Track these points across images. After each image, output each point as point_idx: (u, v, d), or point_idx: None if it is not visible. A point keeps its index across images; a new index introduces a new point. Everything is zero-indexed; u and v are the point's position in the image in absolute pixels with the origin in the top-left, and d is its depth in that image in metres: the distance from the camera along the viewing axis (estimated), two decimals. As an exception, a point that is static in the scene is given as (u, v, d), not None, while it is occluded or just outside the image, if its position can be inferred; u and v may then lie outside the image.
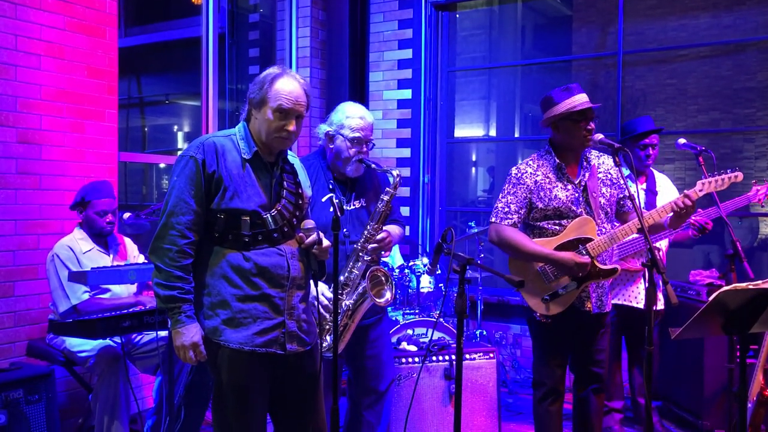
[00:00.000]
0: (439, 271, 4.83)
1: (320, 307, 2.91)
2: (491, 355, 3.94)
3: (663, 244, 4.08)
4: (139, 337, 3.73)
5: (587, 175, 3.18)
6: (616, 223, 3.23)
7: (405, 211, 6.02)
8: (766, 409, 3.35)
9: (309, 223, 2.55)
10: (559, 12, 7.86)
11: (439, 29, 6.15)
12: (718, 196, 3.55)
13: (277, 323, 2.47)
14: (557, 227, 3.13)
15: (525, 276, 3.12)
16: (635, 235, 3.77)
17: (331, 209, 2.54)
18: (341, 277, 3.02)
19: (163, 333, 3.39)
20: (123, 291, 3.81)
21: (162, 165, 7.65)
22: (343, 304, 3.00)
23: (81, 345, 3.55)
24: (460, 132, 7.10)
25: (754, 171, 6.50)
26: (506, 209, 3.16)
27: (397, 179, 3.06)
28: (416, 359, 3.82)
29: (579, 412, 3.29)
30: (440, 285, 4.88)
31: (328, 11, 6.19)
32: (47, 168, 3.99)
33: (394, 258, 5.24)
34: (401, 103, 6.13)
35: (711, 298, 2.40)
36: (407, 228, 5.71)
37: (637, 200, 2.87)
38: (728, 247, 3.39)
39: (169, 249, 2.37)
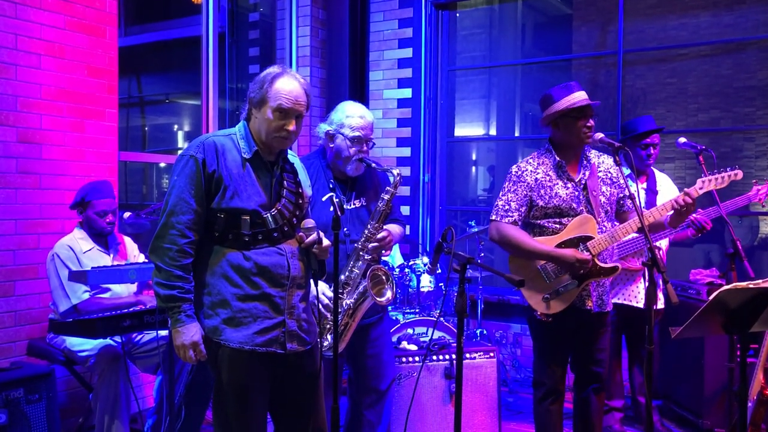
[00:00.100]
0: (439, 271, 4.83)
1: (321, 306, 2.91)
2: (491, 354, 3.94)
3: (663, 244, 4.08)
4: (140, 336, 3.73)
5: (587, 173, 3.18)
6: (616, 222, 3.23)
7: (405, 210, 6.02)
8: (767, 408, 3.35)
9: (309, 222, 2.55)
10: (559, 11, 7.86)
11: (439, 28, 6.15)
12: (718, 196, 3.55)
13: (278, 322, 2.47)
14: (558, 226, 3.12)
15: (525, 275, 3.12)
16: (635, 235, 3.77)
17: (332, 208, 2.54)
18: (342, 276, 3.02)
19: (164, 332, 3.39)
20: (123, 290, 3.81)
21: (162, 164, 7.65)
22: (344, 303, 3.00)
23: (81, 344, 3.55)
24: (460, 131, 7.10)
25: (755, 170, 6.49)
26: (507, 207, 3.16)
27: (398, 178, 3.06)
28: (417, 358, 3.82)
29: (579, 412, 3.29)
30: (440, 284, 4.88)
31: (328, 10, 6.19)
32: (47, 167, 3.99)
33: (395, 257, 5.25)
34: (401, 102, 6.13)
35: (711, 298, 2.40)
36: (407, 227, 5.71)
37: (637, 199, 2.87)
38: (728, 246, 3.39)
39: (170, 248, 2.37)
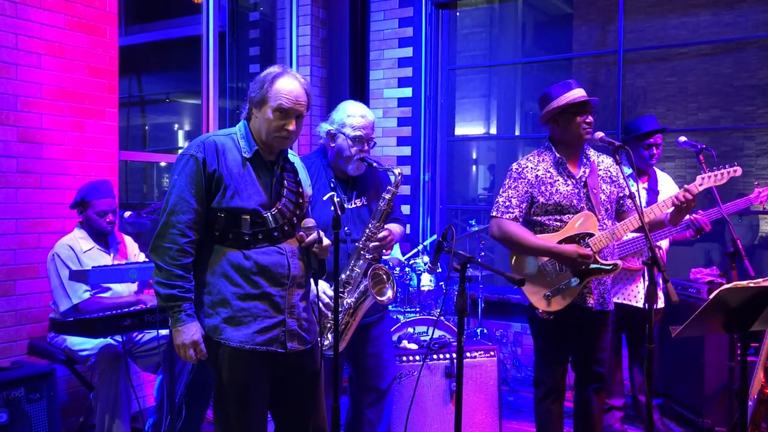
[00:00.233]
0: (439, 270, 4.83)
1: (321, 305, 2.91)
2: (492, 353, 3.94)
3: (664, 243, 4.08)
4: (140, 335, 3.73)
5: (587, 171, 3.18)
6: (616, 221, 3.23)
7: (405, 209, 6.02)
8: (767, 407, 3.35)
9: (309, 221, 2.55)
10: (559, 10, 7.86)
11: (439, 27, 6.15)
12: (720, 196, 3.55)
13: (278, 322, 2.47)
14: (558, 223, 3.12)
15: (527, 272, 3.13)
16: (635, 234, 3.77)
17: (332, 208, 2.54)
18: (343, 275, 3.02)
19: (164, 331, 3.39)
20: (124, 290, 3.81)
21: (163, 163, 7.65)
22: (345, 302, 3.00)
23: (82, 344, 3.55)
24: (460, 130, 7.10)
25: (755, 169, 6.50)
26: (507, 203, 3.16)
27: (399, 178, 3.06)
28: (417, 357, 3.83)
29: (580, 411, 3.29)
30: (441, 283, 4.88)
31: (328, 9, 6.19)
32: (48, 167, 4.00)
33: (395, 256, 5.24)
34: (402, 102, 6.13)
35: (712, 296, 2.40)
36: (408, 226, 5.72)
37: (638, 199, 2.87)
38: (729, 245, 3.39)
39: (170, 248, 2.37)
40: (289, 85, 2.45)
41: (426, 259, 4.94)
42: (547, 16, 7.97)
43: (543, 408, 3.26)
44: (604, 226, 3.14)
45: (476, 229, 4.94)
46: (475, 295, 5.23)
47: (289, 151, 2.65)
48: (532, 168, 3.18)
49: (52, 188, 4.02)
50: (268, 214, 2.46)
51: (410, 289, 4.82)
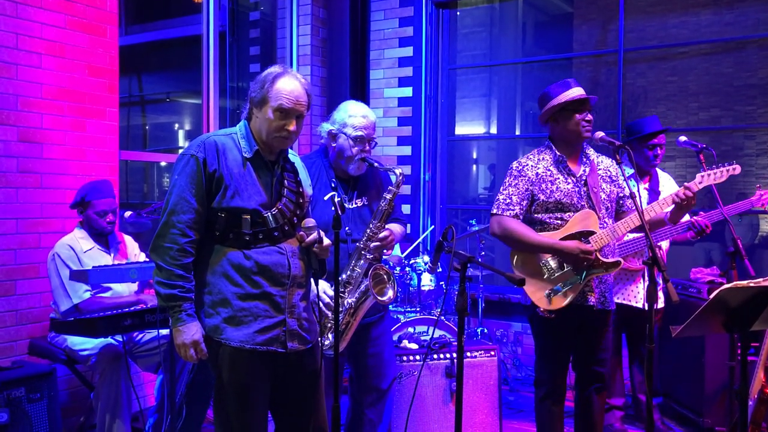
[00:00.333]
0: (440, 269, 4.83)
1: (322, 305, 2.91)
2: (492, 352, 3.94)
3: (664, 244, 4.08)
4: (141, 335, 3.74)
5: (587, 170, 3.19)
6: (616, 221, 3.23)
7: (406, 209, 6.02)
8: (767, 407, 3.35)
9: (309, 221, 2.55)
10: (560, 9, 7.85)
11: (439, 27, 6.15)
12: (720, 196, 3.55)
13: (278, 321, 2.47)
14: (559, 221, 3.12)
15: (528, 270, 3.13)
16: (636, 235, 3.77)
17: (333, 208, 2.54)
18: (344, 275, 3.02)
19: (165, 331, 3.39)
20: (124, 289, 3.82)
21: (163, 163, 7.65)
22: (346, 302, 3.00)
23: (82, 343, 3.56)
24: (460, 130, 7.10)
25: (755, 168, 6.49)
26: (508, 200, 3.15)
27: (400, 178, 3.06)
28: (417, 357, 3.83)
29: (581, 411, 3.28)
30: (441, 283, 4.88)
31: (328, 9, 6.19)
32: (48, 167, 4.00)
33: (396, 254, 5.24)
34: (402, 101, 6.13)
35: (712, 296, 2.40)
36: (408, 226, 5.72)
37: (638, 199, 2.87)
38: (729, 245, 3.39)
39: (170, 247, 2.37)
40: (289, 85, 2.45)
41: (426, 258, 4.94)
42: (548, 15, 7.97)
43: (544, 408, 3.25)
44: (605, 224, 3.14)
45: (476, 228, 4.94)
46: (475, 294, 5.24)
47: (290, 150, 2.65)
48: (532, 166, 3.18)
49: (53, 188, 4.02)
50: (269, 213, 2.46)
51: (411, 288, 4.82)
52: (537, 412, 3.30)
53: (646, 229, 2.76)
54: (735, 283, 2.45)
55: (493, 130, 8.06)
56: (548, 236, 3.10)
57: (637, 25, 5.97)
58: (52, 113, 4.01)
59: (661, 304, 4.02)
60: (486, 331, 5.17)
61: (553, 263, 3.12)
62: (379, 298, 2.99)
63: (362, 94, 6.15)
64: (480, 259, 3.14)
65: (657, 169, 4.18)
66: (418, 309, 4.70)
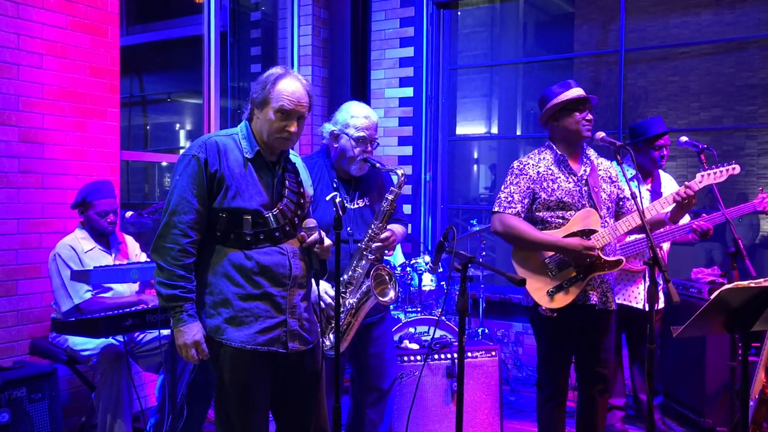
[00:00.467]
0: (441, 269, 4.83)
1: (323, 304, 2.92)
2: (493, 353, 3.95)
3: (665, 244, 4.08)
4: (142, 335, 3.74)
5: (588, 169, 3.19)
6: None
7: (407, 209, 6.03)
8: (768, 407, 3.35)
9: (310, 222, 2.56)
10: (560, 9, 7.86)
11: (440, 27, 6.15)
12: (721, 196, 3.55)
13: (279, 322, 2.47)
14: (561, 220, 3.12)
15: (530, 268, 3.12)
16: (638, 236, 3.77)
17: (334, 208, 2.54)
18: (345, 276, 3.02)
19: (166, 331, 3.39)
20: (125, 290, 3.82)
21: (164, 163, 7.66)
22: (347, 303, 3.00)
23: (84, 343, 3.56)
24: (461, 130, 7.10)
25: (756, 168, 6.49)
26: (509, 198, 3.15)
27: (402, 178, 3.06)
28: (418, 357, 3.83)
29: (583, 413, 3.27)
30: (442, 283, 4.88)
31: (329, 9, 6.19)
32: (49, 167, 4.00)
33: (396, 256, 5.25)
34: (403, 101, 6.13)
35: (713, 296, 2.40)
36: (409, 226, 5.72)
37: (639, 199, 2.87)
38: (730, 245, 3.39)
39: (172, 248, 2.37)
40: (291, 86, 2.45)
41: (427, 258, 4.94)
42: (549, 15, 7.98)
43: (546, 410, 3.25)
44: (606, 223, 3.15)
45: (477, 228, 4.94)
46: (476, 294, 5.24)
47: (290, 151, 2.65)
48: (533, 165, 3.18)
49: (54, 188, 4.02)
50: (270, 214, 2.47)
51: (411, 288, 4.82)
52: (539, 414, 3.30)
53: (647, 230, 2.77)
54: (736, 283, 2.45)
55: (494, 130, 8.07)
56: (550, 234, 3.10)
57: (638, 25, 5.98)
58: (54, 114, 4.02)
59: (661, 304, 4.02)
60: (487, 331, 5.17)
61: (554, 261, 3.11)
62: (380, 298, 2.99)
63: (363, 95, 6.15)
64: (481, 260, 3.14)
65: (659, 170, 4.18)
66: (419, 309, 4.70)
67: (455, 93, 6.47)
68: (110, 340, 3.52)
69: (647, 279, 2.75)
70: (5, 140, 3.78)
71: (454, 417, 3.68)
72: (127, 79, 7.59)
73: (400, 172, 3.06)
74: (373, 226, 3.04)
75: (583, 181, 3.16)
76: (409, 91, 6.09)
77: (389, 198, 3.05)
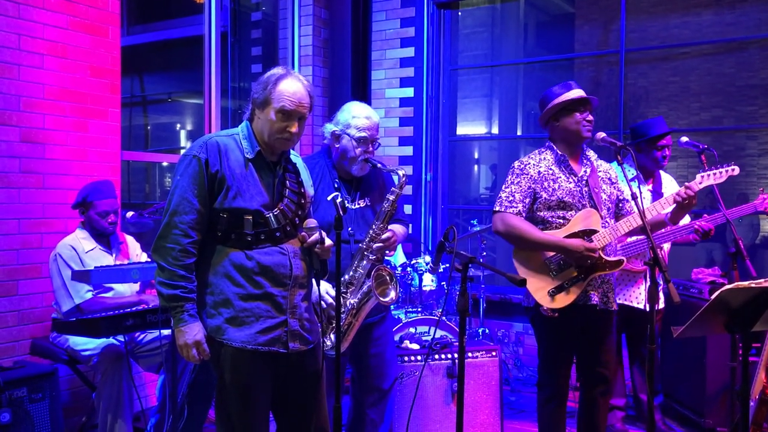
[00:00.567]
0: (441, 269, 4.83)
1: (324, 304, 2.92)
2: (494, 353, 3.95)
3: (666, 245, 4.08)
4: (142, 335, 3.74)
5: (588, 170, 3.19)
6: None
7: (407, 209, 6.03)
8: (769, 408, 3.35)
9: (311, 222, 2.56)
10: (561, 9, 7.86)
11: (441, 27, 6.15)
12: (722, 197, 3.55)
13: (280, 322, 2.47)
14: (561, 220, 3.12)
15: (531, 268, 3.12)
16: (639, 237, 3.78)
17: (335, 208, 2.55)
18: (346, 276, 3.02)
19: (166, 331, 3.40)
20: (126, 290, 3.82)
21: (165, 163, 7.67)
22: (348, 303, 3.00)
23: (84, 343, 3.56)
24: (462, 130, 7.10)
25: (757, 168, 6.49)
26: (511, 198, 3.15)
27: (403, 179, 3.06)
28: (419, 357, 3.83)
29: (585, 414, 3.27)
30: (442, 283, 4.88)
31: (330, 10, 6.19)
32: (50, 167, 4.00)
33: (397, 257, 5.25)
34: (403, 101, 6.13)
35: (713, 297, 2.40)
36: (410, 226, 5.72)
37: (640, 199, 2.87)
38: (730, 246, 3.39)
39: (173, 248, 2.38)
40: (292, 87, 2.45)
41: (428, 258, 4.94)
42: (549, 15, 7.98)
43: (547, 411, 3.25)
44: (607, 224, 3.15)
45: (478, 229, 4.94)
46: (476, 295, 5.24)
47: (291, 151, 2.65)
48: (534, 165, 3.19)
49: (55, 188, 4.03)
50: (271, 214, 2.47)
51: (412, 289, 4.82)
52: (540, 415, 3.30)
53: (647, 230, 2.77)
54: (736, 283, 2.45)
55: (495, 131, 8.06)
56: (552, 234, 3.10)
57: (638, 26, 5.98)
58: (54, 114, 4.02)
59: (661, 304, 4.03)
60: (487, 331, 5.17)
61: (556, 261, 3.12)
62: (381, 299, 2.99)
63: (364, 95, 6.16)
64: (481, 260, 3.14)
65: (660, 171, 4.18)
66: (419, 309, 4.70)
67: (456, 93, 6.47)
68: (111, 340, 3.53)
69: (648, 279, 2.75)
70: (6, 140, 3.78)
71: (454, 417, 3.68)
72: (128, 79, 7.59)
73: (401, 172, 3.06)
74: (374, 227, 3.04)
75: (584, 182, 3.17)
76: (409, 92, 6.09)
77: (390, 198, 3.05)
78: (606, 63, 6.25)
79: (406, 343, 3.96)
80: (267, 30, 6.66)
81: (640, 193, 2.98)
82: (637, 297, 4.00)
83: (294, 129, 2.46)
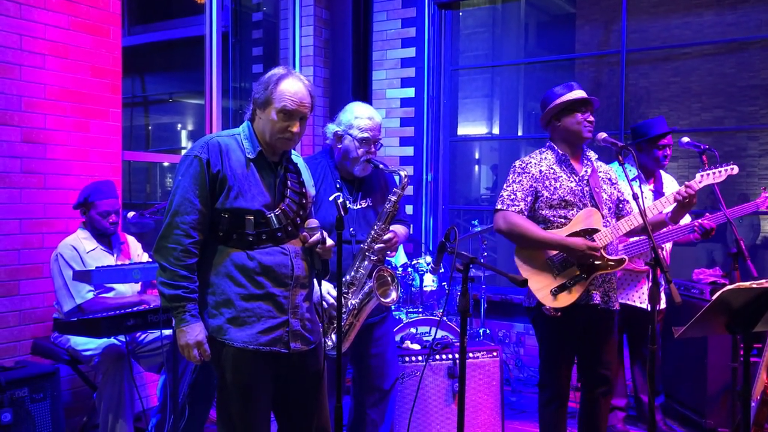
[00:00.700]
0: (442, 270, 4.83)
1: (325, 305, 2.92)
2: (494, 353, 3.95)
3: (667, 245, 4.08)
4: (144, 335, 3.74)
5: (589, 170, 3.20)
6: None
7: (408, 209, 6.03)
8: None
9: (313, 222, 2.56)
10: (562, 10, 7.86)
11: (442, 27, 6.15)
12: (723, 197, 3.56)
13: (281, 322, 2.47)
14: (563, 220, 3.12)
15: (533, 267, 3.12)
16: (641, 236, 3.77)
17: (336, 209, 2.55)
18: (348, 276, 3.02)
19: (167, 331, 3.40)
20: (127, 290, 3.82)
21: (166, 164, 7.67)
22: (349, 303, 3.00)
23: (86, 343, 3.56)
24: (463, 130, 7.10)
25: (758, 169, 6.49)
26: (512, 196, 3.15)
27: (405, 180, 3.07)
28: (420, 358, 3.83)
29: (586, 415, 3.27)
30: (443, 284, 4.88)
31: (331, 10, 6.19)
32: (51, 167, 4.01)
33: (398, 257, 5.25)
34: (404, 102, 6.13)
35: (714, 297, 2.40)
36: (411, 226, 5.72)
37: (641, 199, 2.88)
38: (732, 246, 3.39)
39: (174, 248, 2.38)
40: (293, 87, 2.45)
41: (428, 259, 4.94)
42: (550, 16, 7.98)
43: (548, 412, 3.25)
44: (608, 223, 3.15)
45: (479, 229, 4.93)
46: (477, 295, 5.23)
47: (292, 151, 2.65)
48: (535, 164, 3.19)
49: (56, 188, 4.03)
50: (272, 214, 2.47)
51: (413, 289, 4.82)
52: (541, 416, 3.29)
53: (648, 230, 2.77)
54: (738, 284, 2.45)
55: (496, 131, 8.06)
56: (554, 233, 3.10)
57: (639, 26, 5.98)
58: (56, 114, 4.02)
59: (662, 304, 4.02)
60: (488, 331, 5.17)
61: (558, 260, 3.12)
62: (382, 299, 2.99)
63: (365, 95, 6.16)
64: (482, 260, 3.15)
65: (661, 171, 4.18)
66: (420, 309, 4.70)
67: (457, 93, 6.47)
68: (112, 340, 3.53)
69: (650, 279, 2.76)
70: (7, 140, 3.79)
71: (455, 417, 3.68)
72: (129, 80, 7.60)
73: (403, 173, 3.07)
74: (375, 227, 3.04)
75: (585, 181, 3.17)
76: (410, 92, 6.10)
77: (392, 199, 3.05)
78: (607, 63, 6.25)
79: (407, 344, 3.96)
80: (268, 30, 6.67)
81: (642, 192, 2.99)
82: (640, 297, 4.00)
83: (295, 129, 2.47)
